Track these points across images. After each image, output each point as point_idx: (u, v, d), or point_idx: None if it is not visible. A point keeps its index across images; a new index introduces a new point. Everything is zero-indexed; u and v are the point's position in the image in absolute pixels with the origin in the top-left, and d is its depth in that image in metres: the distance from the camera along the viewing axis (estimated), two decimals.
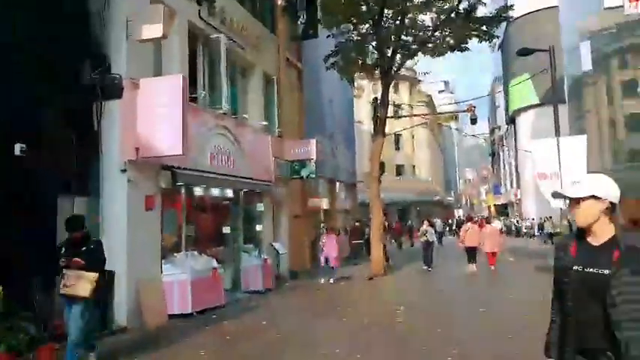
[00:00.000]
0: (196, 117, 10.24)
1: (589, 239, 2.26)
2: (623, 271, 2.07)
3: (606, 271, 2.11)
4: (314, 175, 15.03)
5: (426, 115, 21.21)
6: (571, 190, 2.26)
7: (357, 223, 21.06)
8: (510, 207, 47.79)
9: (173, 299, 8.92)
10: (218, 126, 11.22)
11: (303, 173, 14.94)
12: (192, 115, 9.82)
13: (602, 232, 2.21)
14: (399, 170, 48.10)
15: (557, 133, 12.56)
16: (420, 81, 48.24)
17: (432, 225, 16.81)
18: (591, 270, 2.16)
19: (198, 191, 10.73)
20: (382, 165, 15.40)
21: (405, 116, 22.72)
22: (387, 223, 24.63)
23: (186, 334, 7.69)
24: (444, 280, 13.92)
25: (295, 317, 9.04)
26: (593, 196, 2.20)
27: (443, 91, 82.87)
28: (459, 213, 57.95)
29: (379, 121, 14.94)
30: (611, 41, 32.49)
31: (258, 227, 12.06)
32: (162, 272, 9.03)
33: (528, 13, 39.84)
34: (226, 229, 11.34)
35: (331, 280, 13.21)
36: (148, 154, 8.42)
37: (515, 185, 45.43)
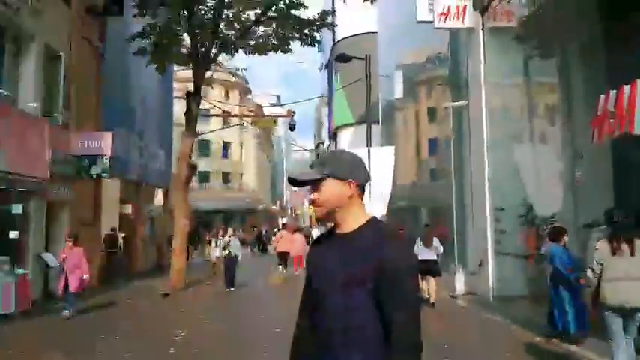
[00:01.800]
0: None
1: None
2: None
3: None
4: (106, 175, 12.68)
5: (247, 116, 20.08)
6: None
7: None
8: None
9: None
10: None
11: (94, 172, 12.51)
12: None
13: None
14: (226, 178, 46.73)
15: (369, 142, 12.64)
16: (250, 90, 47.80)
17: (237, 235, 14.80)
18: None
19: None
20: (194, 168, 13.76)
21: (217, 115, 21.08)
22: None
23: None
24: (247, 295, 12.64)
25: (33, 354, 6.86)
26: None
27: (274, 104, 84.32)
28: (283, 222, 58.74)
29: (190, 118, 13.33)
30: (420, 72, 36.22)
31: (13, 234, 9.28)
32: None
33: (353, 36, 42.30)
34: None
35: (66, 312, 9.09)
36: None
37: None
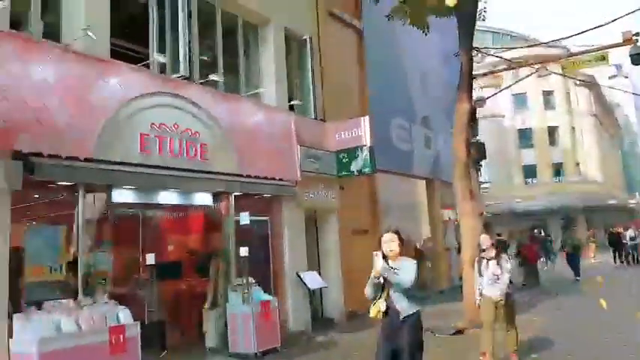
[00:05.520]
0: (112, 74, 6.40)
1: None
2: None
3: None
4: (369, 169, 9.99)
5: (545, 63, 13.43)
6: None
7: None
8: None
9: None
10: (166, 95, 7.20)
11: (354, 167, 10.07)
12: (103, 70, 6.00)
13: None
14: (558, 170, 38.97)
15: None
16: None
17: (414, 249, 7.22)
18: None
19: (124, 195, 6.67)
20: (480, 145, 9.75)
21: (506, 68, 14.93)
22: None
23: None
24: None
25: None
26: None
27: (615, 76, 67.71)
28: None
29: (462, 77, 9.37)
30: None
31: (243, 251, 7.24)
32: (10, 336, 5.19)
33: None
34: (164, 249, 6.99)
35: None
36: None
37: None
